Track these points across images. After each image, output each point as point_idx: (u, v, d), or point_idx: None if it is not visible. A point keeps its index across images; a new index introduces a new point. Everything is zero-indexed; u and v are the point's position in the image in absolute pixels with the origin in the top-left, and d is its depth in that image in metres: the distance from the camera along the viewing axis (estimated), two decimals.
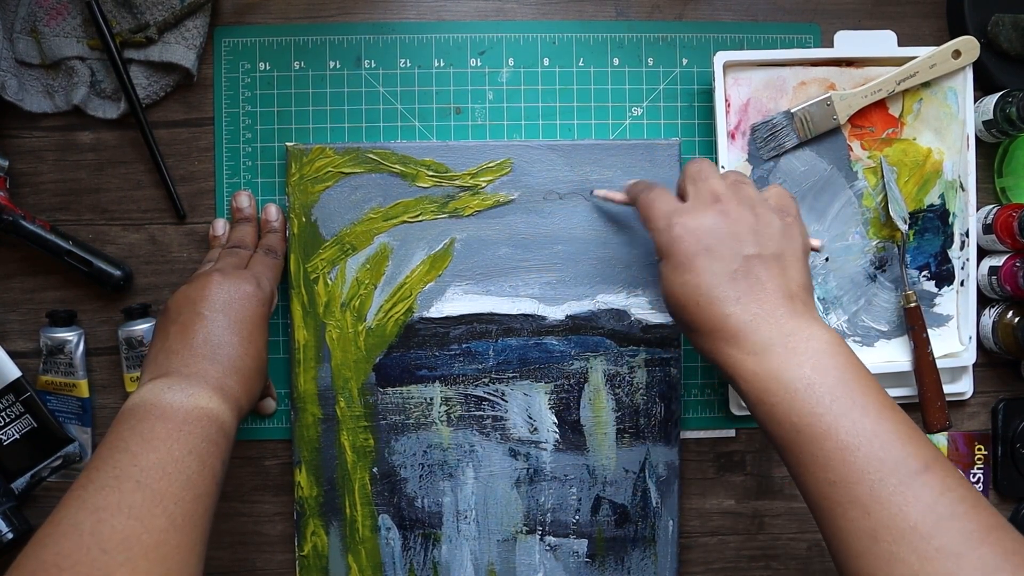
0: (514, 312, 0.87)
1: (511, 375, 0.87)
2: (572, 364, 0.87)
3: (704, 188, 0.69)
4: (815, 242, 0.74)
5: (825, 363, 0.61)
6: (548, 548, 0.89)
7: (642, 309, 0.87)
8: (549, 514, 0.88)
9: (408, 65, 0.90)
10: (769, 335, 0.63)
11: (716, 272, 0.65)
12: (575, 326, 0.87)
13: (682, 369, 0.89)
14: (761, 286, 0.65)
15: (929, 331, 0.89)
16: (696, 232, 0.66)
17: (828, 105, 0.87)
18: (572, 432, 0.88)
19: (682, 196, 0.72)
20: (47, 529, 0.55)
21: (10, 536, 0.83)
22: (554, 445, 0.88)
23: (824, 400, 0.59)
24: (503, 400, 0.87)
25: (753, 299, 0.64)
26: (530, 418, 0.87)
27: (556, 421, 0.88)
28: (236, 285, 0.75)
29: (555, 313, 0.87)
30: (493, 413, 0.87)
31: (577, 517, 0.88)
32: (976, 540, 0.52)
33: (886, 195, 0.88)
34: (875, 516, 0.55)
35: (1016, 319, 0.88)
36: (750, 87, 0.88)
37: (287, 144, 0.86)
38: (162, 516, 0.56)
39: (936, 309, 0.91)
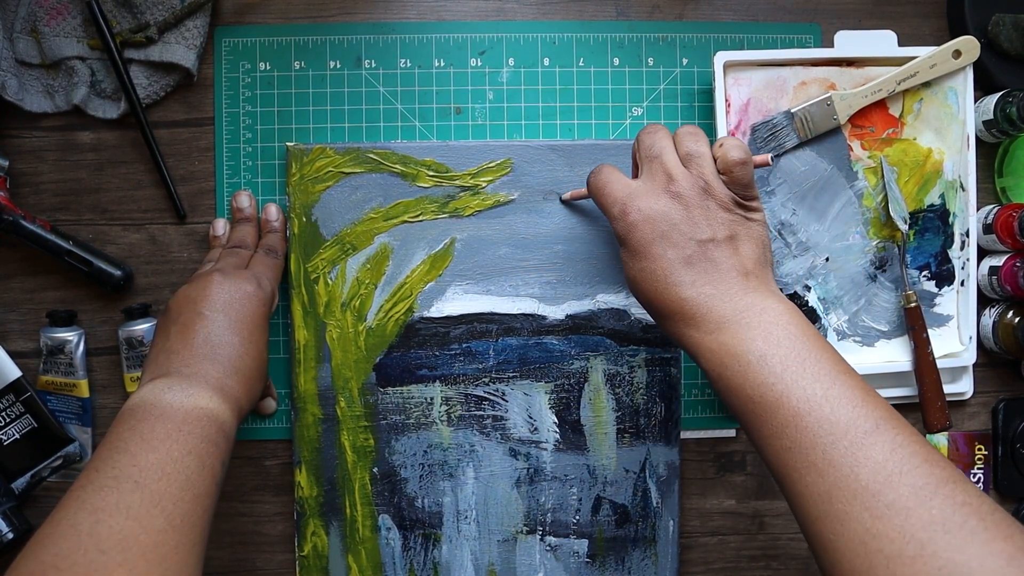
0: (514, 312, 0.87)
1: (511, 375, 0.87)
2: (572, 364, 0.87)
3: (657, 166, 0.68)
4: (762, 157, 0.73)
5: (777, 334, 0.62)
6: (548, 548, 0.88)
7: (642, 309, 0.87)
8: (549, 514, 0.88)
9: (408, 65, 0.90)
10: (724, 313, 0.64)
11: (671, 258, 0.66)
12: (575, 326, 0.87)
13: (682, 369, 0.89)
14: (716, 267, 0.66)
15: (929, 331, 0.89)
16: (650, 218, 0.66)
17: (828, 105, 0.87)
18: (572, 432, 0.88)
19: (636, 168, 0.72)
20: (46, 530, 0.55)
21: (10, 536, 0.83)
22: (554, 445, 0.88)
23: (776, 370, 0.60)
24: (503, 400, 0.87)
25: (708, 281, 0.65)
26: (530, 418, 0.87)
27: (556, 421, 0.88)
28: (237, 285, 0.75)
29: (555, 313, 0.87)
30: (493, 413, 0.87)
31: (577, 517, 0.88)
32: (926, 494, 0.53)
33: (886, 195, 0.88)
34: (829, 478, 0.56)
35: (1016, 319, 0.88)
36: (750, 87, 0.88)
37: (287, 144, 0.86)
38: (160, 517, 0.56)
39: (936, 309, 0.91)
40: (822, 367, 0.60)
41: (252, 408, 0.74)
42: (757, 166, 0.71)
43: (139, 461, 0.59)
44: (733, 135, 0.87)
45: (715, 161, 0.68)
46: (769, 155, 0.72)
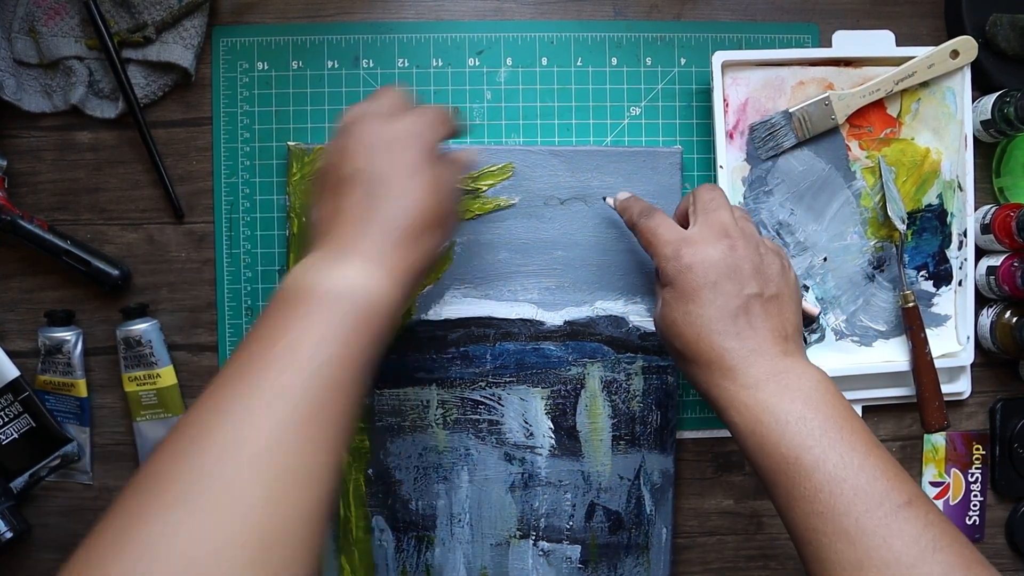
0: (512, 317, 0.87)
1: (508, 379, 0.87)
2: (569, 370, 0.87)
3: (714, 219, 0.69)
4: (813, 309, 0.77)
5: (816, 399, 0.62)
6: (541, 553, 0.89)
7: (640, 316, 0.87)
8: (543, 519, 0.88)
9: (406, 65, 0.90)
10: (763, 371, 0.64)
11: (719, 307, 0.66)
12: (573, 332, 0.87)
13: (680, 375, 0.89)
14: (759, 324, 0.66)
15: (927, 331, 0.89)
16: (704, 264, 0.67)
17: (826, 105, 0.87)
18: (568, 438, 0.88)
19: (684, 219, 0.73)
20: (174, 428, 0.52)
21: (9, 535, 0.83)
22: (549, 450, 0.88)
23: (815, 433, 0.61)
24: (499, 404, 0.87)
25: (751, 336, 0.66)
26: (526, 423, 0.87)
27: (552, 426, 0.88)
28: (390, 126, 0.66)
29: (553, 318, 0.87)
30: (489, 417, 0.87)
31: (571, 523, 0.88)
32: (959, 574, 0.53)
33: (884, 195, 0.88)
34: (860, 547, 0.56)
35: (1014, 319, 0.88)
36: (748, 87, 0.88)
37: (289, 144, 0.86)
38: (282, 409, 0.52)
39: (934, 309, 0.91)
40: (858, 437, 0.61)
41: (432, 258, 0.66)
42: (805, 315, 0.73)
43: (269, 351, 0.55)
44: (731, 135, 0.88)
45: None
46: (817, 308, 0.74)
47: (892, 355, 0.91)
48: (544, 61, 0.90)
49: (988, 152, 0.92)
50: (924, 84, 0.88)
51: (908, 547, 0.55)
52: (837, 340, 0.90)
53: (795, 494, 0.60)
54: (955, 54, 0.87)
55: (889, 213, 0.87)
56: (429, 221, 0.65)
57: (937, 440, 0.94)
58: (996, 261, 0.89)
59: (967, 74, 0.88)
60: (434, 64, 0.90)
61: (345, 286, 0.59)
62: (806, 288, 0.89)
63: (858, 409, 0.90)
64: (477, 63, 0.90)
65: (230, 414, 0.51)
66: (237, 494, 0.47)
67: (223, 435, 0.50)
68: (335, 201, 0.64)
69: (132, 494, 0.47)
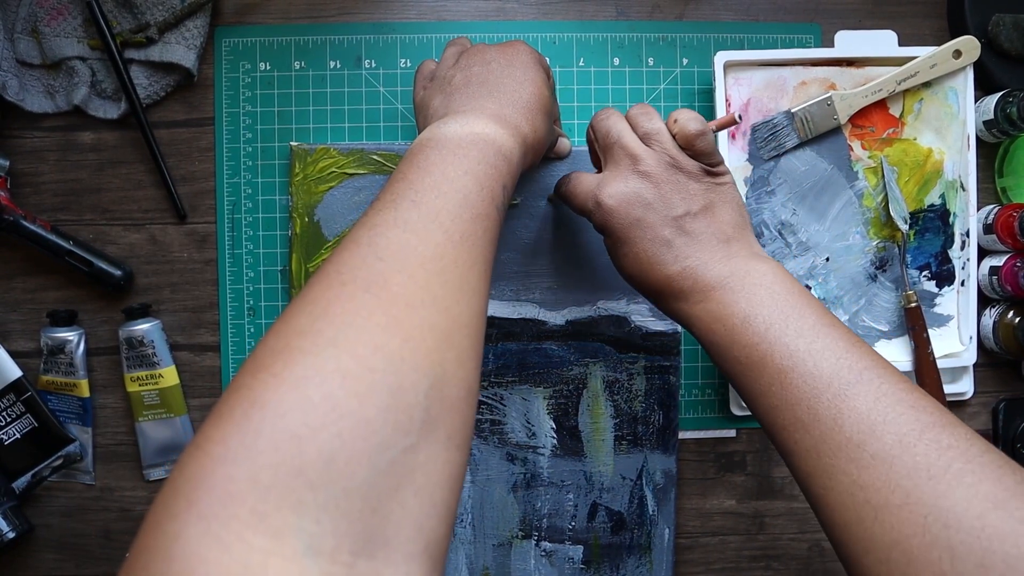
0: (514, 316, 0.87)
1: (510, 379, 0.87)
2: (571, 370, 0.87)
3: (618, 150, 0.69)
4: (730, 116, 0.73)
5: (760, 295, 0.63)
6: (544, 554, 0.89)
7: (642, 316, 0.87)
8: (545, 519, 0.88)
9: (408, 65, 0.90)
10: (708, 281, 0.65)
11: (650, 239, 0.66)
12: (575, 331, 0.87)
13: (682, 375, 0.89)
14: (695, 240, 0.66)
15: (930, 331, 0.89)
16: (624, 202, 0.67)
17: (829, 105, 0.87)
18: (570, 438, 0.88)
19: (597, 160, 0.73)
20: (335, 249, 0.55)
21: (11, 535, 0.83)
22: (552, 450, 0.88)
23: (759, 330, 0.61)
24: (502, 404, 0.87)
25: (689, 254, 0.66)
26: (528, 423, 0.87)
27: (554, 426, 0.88)
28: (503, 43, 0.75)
29: (555, 318, 0.87)
30: (491, 417, 0.87)
31: (573, 523, 0.88)
32: (911, 440, 0.52)
33: (887, 195, 0.88)
34: (815, 433, 0.56)
35: (1017, 319, 0.88)
36: (751, 87, 0.88)
37: (291, 144, 0.86)
38: (438, 231, 0.55)
39: (937, 309, 0.91)
40: (805, 322, 0.61)
41: (540, 142, 0.71)
42: (723, 127, 0.71)
43: (415, 185, 0.58)
44: (733, 135, 0.87)
45: (674, 136, 0.68)
46: (735, 113, 0.71)
47: (895, 355, 0.91)
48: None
49: (991, 152, 0.92)
50: (926, 84, 0.88)
51: (858, 425, 0.54)
52: None
53: (753, 392, 0.61)
54: (957, 54, 0.87)
55: (891, 213, 0.87)
56: (545, 104, 0.71)
57: None
58: (999, 261, 0.89)
59: (969, 74, 0.88)
60: None
61: (476, 134, 0.63)
62: (808, 288, 0.89)
63: None
64: None
65: (396, 225, 0.54)
66: (415, 293, 0.49)
67: (395, 242, 0.52)
68: (462, 81, 0.70)
69: (320, 290, 0.49)
